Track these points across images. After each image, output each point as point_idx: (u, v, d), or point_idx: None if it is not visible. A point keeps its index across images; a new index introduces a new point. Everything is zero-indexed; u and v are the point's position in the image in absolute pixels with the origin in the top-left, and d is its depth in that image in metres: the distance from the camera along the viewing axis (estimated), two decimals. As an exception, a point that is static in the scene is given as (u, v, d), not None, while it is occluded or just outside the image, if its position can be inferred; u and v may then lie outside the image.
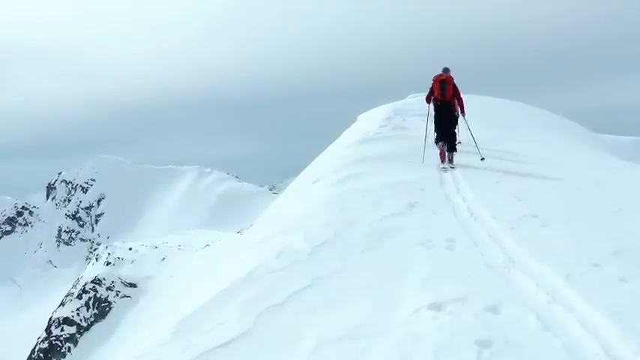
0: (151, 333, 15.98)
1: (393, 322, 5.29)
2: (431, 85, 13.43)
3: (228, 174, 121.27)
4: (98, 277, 44.23)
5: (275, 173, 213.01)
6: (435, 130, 13.33)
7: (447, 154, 12.93)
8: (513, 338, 4.70)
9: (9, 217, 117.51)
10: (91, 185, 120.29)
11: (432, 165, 12.99)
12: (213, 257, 29.84)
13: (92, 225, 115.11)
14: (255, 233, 12.56)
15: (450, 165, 12.69)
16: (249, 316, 5.94)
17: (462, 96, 13.64)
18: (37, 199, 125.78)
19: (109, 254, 47.80)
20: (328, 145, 19.11)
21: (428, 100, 13.64)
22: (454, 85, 13.24)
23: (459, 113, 13.89)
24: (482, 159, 12.93)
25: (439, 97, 13.21)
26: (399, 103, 24.23)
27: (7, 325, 78.50)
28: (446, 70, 13.47)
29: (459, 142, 13.81)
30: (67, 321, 43.29)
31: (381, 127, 18.25)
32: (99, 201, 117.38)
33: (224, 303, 6.51)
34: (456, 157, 13.31)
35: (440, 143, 13.07)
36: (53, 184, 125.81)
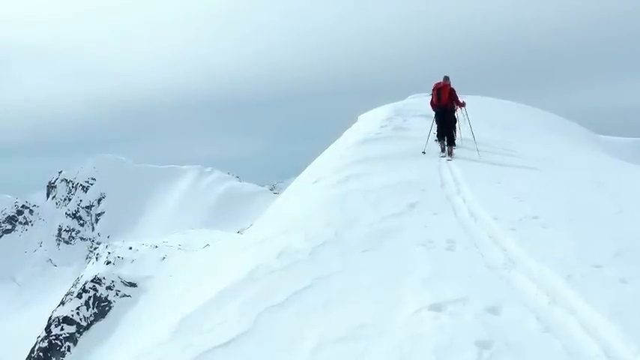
0: (151, 332, 15.96)
1: (393, 323, 5.29)
2: (431, 93, 15.44)
3: (228, 174, 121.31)
4: (98, 276, 44.20)
5: (276, 173, 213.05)
6: (437, 130, 15.16)
7: (446, 147, 14.59)
8: (513, 339, 4.69)
9: (9, 216, 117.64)
10: (92, 184, 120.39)
11: (433, 163, 13.18)
12: (213, 257, 29.86)
13: (92, 224, 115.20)
14: (255, 233, 12.55)
15: (448, 158, 14.15)
16: (250, 315, 5.93)
17: (459, 99, 15.48)
18: (37, 197, 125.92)
19: (109, 253, 47.77)
20: (329, 145, 19.10)
21: (431, 105, 15.58)
22: (451, 91, 15.02)
23: (457, 112, 15.94)
24: (479, 154, 14.24)
25: (436, 103, 15.19)
26: (399, 104, 24.25)
27: (6, 324, 78.56)
28: (445, 79, 15.17)
29: (460, 140, 15.75)
30: (67, 320, 43.27)
31: (381, 127, 18.27)
32: (99, 200, 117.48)
33: (224, 303, 6.50)
34: (457, 154, 14.52)
35: (440, 141, 14.98)
36: (53, 183, 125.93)
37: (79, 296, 44.21)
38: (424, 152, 14.55)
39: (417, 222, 8.47)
